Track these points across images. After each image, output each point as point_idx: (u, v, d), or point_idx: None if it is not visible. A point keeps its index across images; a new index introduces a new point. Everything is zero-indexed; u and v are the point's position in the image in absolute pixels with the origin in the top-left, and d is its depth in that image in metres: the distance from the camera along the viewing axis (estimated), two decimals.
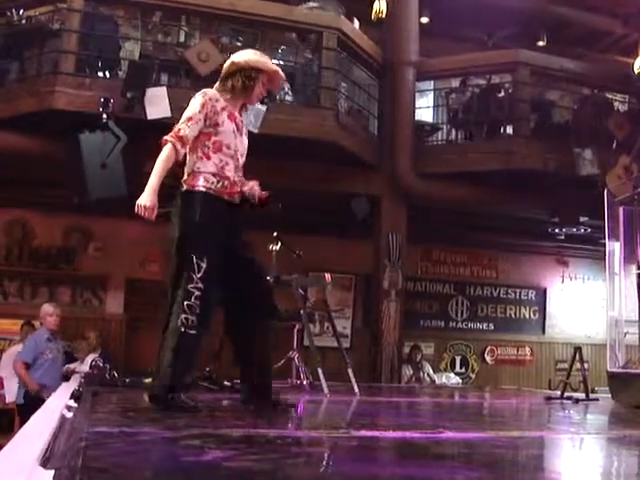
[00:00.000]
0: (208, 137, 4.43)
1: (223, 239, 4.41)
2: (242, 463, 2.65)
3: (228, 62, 4.62)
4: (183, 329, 4.19)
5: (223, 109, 4.46)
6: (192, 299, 4.21)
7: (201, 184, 4.40)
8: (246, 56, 4.61)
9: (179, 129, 4.35)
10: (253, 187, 4.60)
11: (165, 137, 4.35)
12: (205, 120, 4.40)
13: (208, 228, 4.36)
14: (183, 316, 4.19)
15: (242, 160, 4.59)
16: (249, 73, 4.53)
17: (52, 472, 2.26)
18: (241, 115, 4.65)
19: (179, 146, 4.32)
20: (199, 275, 4.23)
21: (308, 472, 2.60)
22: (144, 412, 4.32)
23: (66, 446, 2.80)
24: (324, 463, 2.85)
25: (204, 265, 4.25)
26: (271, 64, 4.69)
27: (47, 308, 8.84)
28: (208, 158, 4.42)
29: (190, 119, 4.37)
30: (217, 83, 4.64)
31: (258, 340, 4.53)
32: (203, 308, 4.23)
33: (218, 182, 4.42)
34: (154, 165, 4.40)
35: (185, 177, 4.50)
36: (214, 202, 4.41)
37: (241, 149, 4.56)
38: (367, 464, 2.79)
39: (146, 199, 4.39)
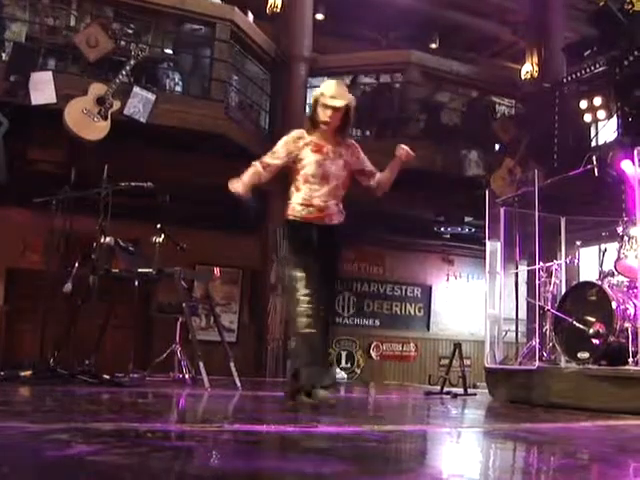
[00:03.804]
0: (297, 172, 5.06)
1: (312, 255, 4.98)
2: (107, 457, 2.60)
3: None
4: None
5: (306, 144, 5.06)
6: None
7: (290, 213, 5.08)
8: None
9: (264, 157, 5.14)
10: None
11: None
12: (289, 155, 5.07)
13: (298, 247, 5.06)
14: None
15: (336, 181, 5.07)
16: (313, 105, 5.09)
17: None
18: (337, 143, 5.12)
19: (260, 167, 5.11)
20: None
21: (175, 466, 2.57)
22: (14, 406, 4.19)
23: None
24: (191, 457, 2.82)
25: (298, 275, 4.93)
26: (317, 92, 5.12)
27: None
28: (298, 190, 5.05)
29: (273, 152, 5.13)
30: None
31: None
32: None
33: (305, 210, 5.02)
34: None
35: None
36: (304, 228, 5.03)
37: (334, 172, 5.05)
38: (235, 458, 2.78)
39: (240, 185, 5.07)
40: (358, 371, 13.80)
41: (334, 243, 5.13)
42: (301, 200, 5.02)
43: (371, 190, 5.23)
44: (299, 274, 4.91)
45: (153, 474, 2.39)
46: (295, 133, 5.16)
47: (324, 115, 4.98)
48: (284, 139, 5.15)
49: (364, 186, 5.24)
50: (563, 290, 7.76)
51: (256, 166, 5.12)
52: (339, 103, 4.96)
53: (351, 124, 5.22)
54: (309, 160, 5.02)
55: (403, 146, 4.99)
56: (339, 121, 5.03)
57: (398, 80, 11.59)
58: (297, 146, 5.07)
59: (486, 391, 7.82)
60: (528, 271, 8.54)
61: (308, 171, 5.01)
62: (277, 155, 5.11)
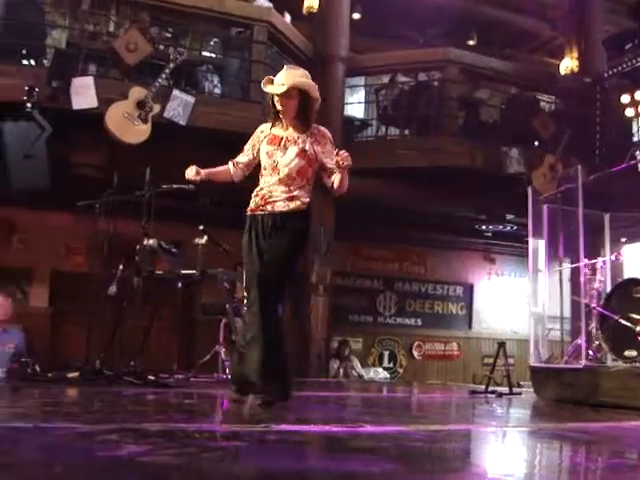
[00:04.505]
0: (259, 165, 4.99)
1: (256, 248, 4.84)
2: (157, 458, 2.62)
3: None
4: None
5: (265, 137, 4.99)
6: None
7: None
8: None
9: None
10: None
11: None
12: (253, 150, 5.05)
13: (244, 244, 4.92)
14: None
15: (288, 169, 4.84)
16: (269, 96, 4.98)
17: None
18: (300, 130, 4.93)
19: (231, 165, 5.12)
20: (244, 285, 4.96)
21: (223, 467, 2.58)
22: (63, 407, 4.24)
23: None
24: (241, 457, 2.83)
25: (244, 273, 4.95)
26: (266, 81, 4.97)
27: None
28: (258, 184, 4.95)
29: (242, 150, 5.13)
30: None
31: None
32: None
33: (253, 202, 4.91)
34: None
35: None
36: (249, 221, 4.91)
37: (282, 161, 4.85)
38: (284, 458, 2.78)
39: (194, 170, 5.06)
40: (401, 371, 13.76)
41: (285, 230, 4.78)
42: (254, 192, 4.93)
43: (328, 189, 4.97)
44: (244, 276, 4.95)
45: (204, 474, 2.40)
46: (260, 127, 5.12)
47: (277, 104, 4.89)
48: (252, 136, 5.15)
49: (323, 183, 5.02)
50: (608, 288, 7.68)
51: (229, 164, 5.15)
52: (279, 89, 4.82)
53: (313, 109, 4.96)
54: (262, 152, 4.95)
55: (341, 152, 4.68)
56: (296, 107, 4.88)
57: (436, 78, 11.52)
58: (259, 140, 5.03)
59: (531, 390, 7.76)
60: (572, 269, 8.44)
61: (262, 163, 4.95)
62: (244, 152, 5.12)
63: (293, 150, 4.85)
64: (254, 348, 4.71)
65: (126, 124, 8.49)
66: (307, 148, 4.86)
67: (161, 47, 9.63)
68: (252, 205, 4.90)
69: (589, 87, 11.36)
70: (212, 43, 10.25)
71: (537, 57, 15.36)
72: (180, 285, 7.42)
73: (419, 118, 11.34)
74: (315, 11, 11.07)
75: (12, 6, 8.71)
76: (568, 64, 12.69)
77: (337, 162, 4.67)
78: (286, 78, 4.84)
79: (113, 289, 7.01)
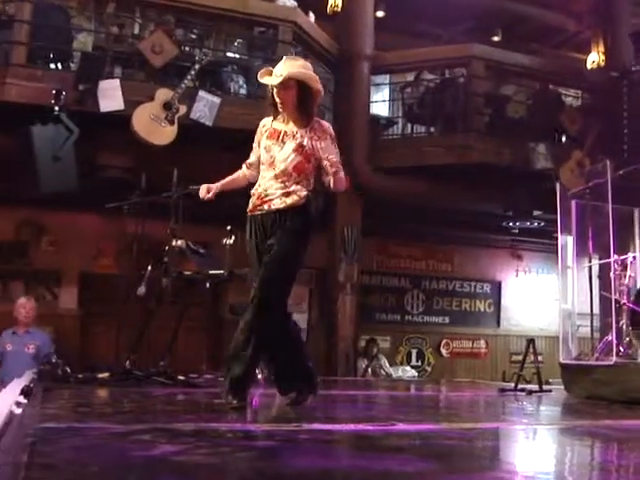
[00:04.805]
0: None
1: (256, 250, 4.79)
2: (191, 457, 2.63)
3: None
4: None
5: (266, 131, 4.87)
6: None
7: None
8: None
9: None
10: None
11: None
12: (259, 147, 4.91)
13: (247, 246, 4.88)
14: None
15: (284, 165, 4.70)
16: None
17: None
18: (300, 124, 4.77)
19: (244, 167, 5.07)
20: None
21: (257, 466, 2.59)
22: (95, 407, 4.27)
23: (12, 442, 2.75)
24: (274, 457, 2.83)
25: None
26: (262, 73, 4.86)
27: (18, 300, 8.94)
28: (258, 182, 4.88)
29: (252, 148, 5.01)
30: None
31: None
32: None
33: (250, 202, 4.81)
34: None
35: None
36: (249, 222, 4.84)
37: (279, 156, 4.73)
38: (317, 457, 2.78)
39: (204, 189, 5.11)
40: (429, 369, 13.71)
41: (284, 229, 4.66)
42: (252, 192, 4.82)
43: (325, 186, 4.80)
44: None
45: (239, 474, 2.41)
46: (261, 122, 4.98)
47: (276, 96, 4.72)
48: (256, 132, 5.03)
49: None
50: (639, 283, 7.60)
51: (242, 167, 5.09)
52: (275, 80, 4.65)
53: (313, 101, 4.77)
54: (262, 146, 4.84)
55: (330, 157, 4.62)
56: (294, 99, 4.69)
57: (462, 75, 11.47)
58: (261, 134, 4.91)
59: (560, 387, 7.71)
60: (601, 265, 8.37)
61: (261, 159, 4.84)
62: (253, 152, 5.00)
63: (290, 145, 4.71)
64: (262, 350, 4.74)
65: (153, 126, 8.53)
66: (305, 143, 4.70)
67: (186, 48, 9.67)
68: (250, 206, 4.80)
69: (616, 81, 11.27)
70: (237, 44, 10.27)
71: (563, 52, 15.25)
72: (208, 285, 7.44)
73: (445, 115, 11.31)
74: (339, 10, 11.08)
75: (39, 11, 8.78)
76: (595, 58, 12.59)
77: (325, 167, 4.64)
78: (283, 69, 4.69)
79: (142, 290, 7.05)
